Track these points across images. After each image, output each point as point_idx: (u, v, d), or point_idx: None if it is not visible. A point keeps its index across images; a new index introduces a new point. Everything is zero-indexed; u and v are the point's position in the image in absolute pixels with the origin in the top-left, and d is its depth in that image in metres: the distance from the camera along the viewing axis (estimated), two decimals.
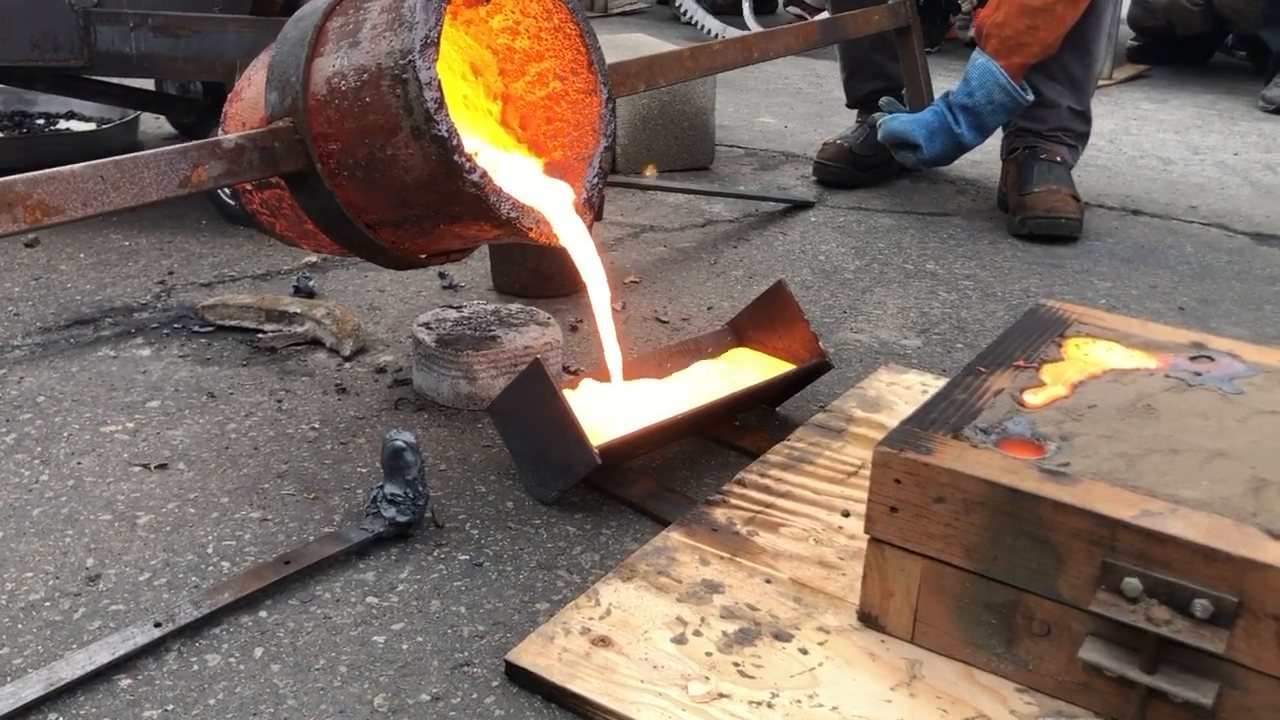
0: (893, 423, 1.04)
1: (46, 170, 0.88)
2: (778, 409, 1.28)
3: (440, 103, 0.98)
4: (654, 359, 1.25)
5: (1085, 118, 2.06)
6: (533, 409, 1.06)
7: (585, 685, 0.81)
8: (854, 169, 2.24)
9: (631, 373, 1.21)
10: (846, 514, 1.03)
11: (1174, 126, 2.93)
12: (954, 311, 1.62)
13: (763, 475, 1.09)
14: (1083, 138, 2.08)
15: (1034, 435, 0.86)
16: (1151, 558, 0.74)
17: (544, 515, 1.07)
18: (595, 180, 1.16)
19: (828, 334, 1.52)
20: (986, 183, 2.30)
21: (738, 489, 1.07)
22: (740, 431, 1.21)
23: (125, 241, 1.81)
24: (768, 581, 0.94)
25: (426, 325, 1.31)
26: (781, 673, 0.83)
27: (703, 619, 0.89)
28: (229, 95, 1.20)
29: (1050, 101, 2.02)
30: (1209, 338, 1.05)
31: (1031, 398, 0.92)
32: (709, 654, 0.85)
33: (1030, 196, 1.96)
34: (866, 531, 0.86)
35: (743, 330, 1.32)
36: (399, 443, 1.00)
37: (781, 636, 0.87)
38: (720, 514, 1.03)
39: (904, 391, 1.27)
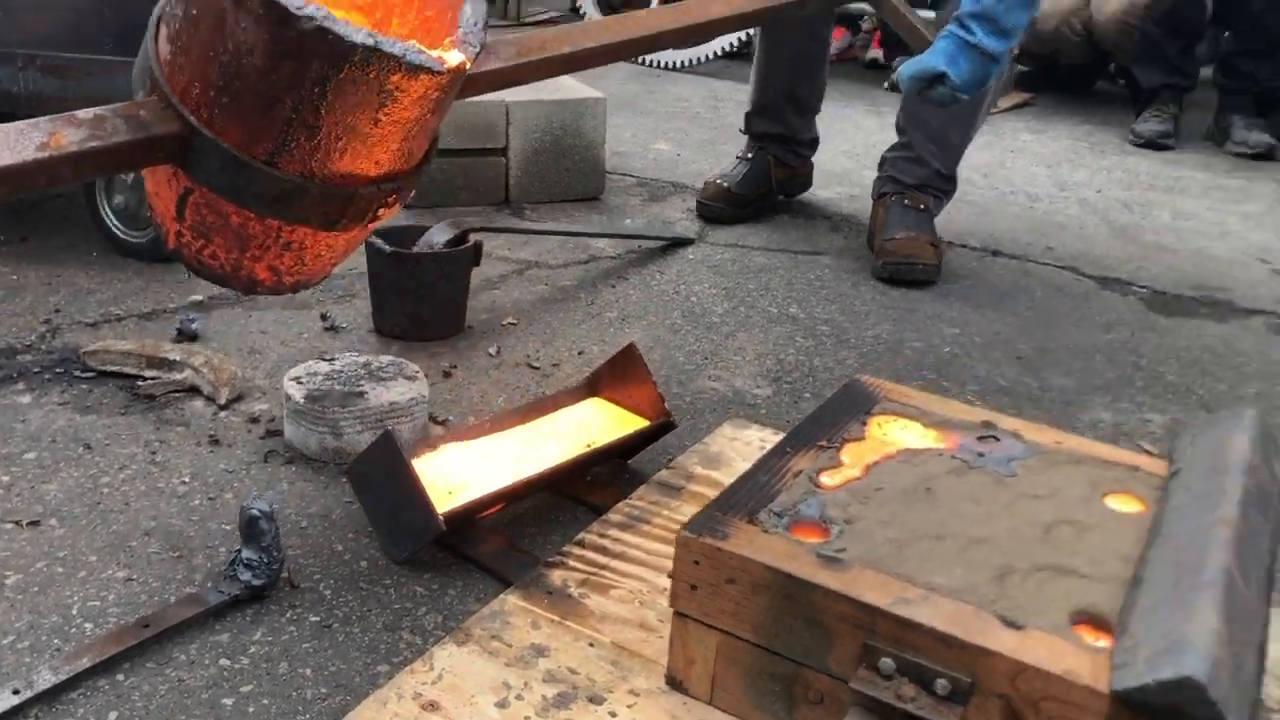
0: (729, 480, 1.15)
1: None
2: (629, 462, 1.37)
3: None
4: (514, 415, 1.34)
5: (952, 180, 2.20)
6: (385, 475, 1.15)
7: None
8: (732, 207, 2.35)
9: (491, 429, 1.30)
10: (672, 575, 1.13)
11: (1047, 160, 3.09)
12: (807, 359, 1.73)
13: (601, 535, 1.19)
14: (949, 192, 2.21)
15: (822, 518, 0.96)
16: (904, 641, 0.84)
17: (395, 575, 1.15)
18: (472, 21, 1.11)
19: (687, 381, 1.62)
20: (860, 219, 2.42)
21: (577, 550, 1.16)
22: (591, 487, 1.31)
23: (13, 275, 1.84)
24: (591, 645, 1.03)
25: (297, 379, 1.38)
26: None
27: (526, 683, 0.98)
28: None
29: (923, 160, 2.16)
30: (999, 417, 1.16)
31: (828, 479, 1.03)
32: (528, 718, 0.94)
33: (892, 241, 2.08)
34: (671, 605, 0.95)
35: (599, 384, 1.41)
36: (254, 511, 1.07)
37: (595, 700, 0.96)
38: (557, 576, 1.12)
39: (744, 448, 1.38)
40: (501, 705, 0.95)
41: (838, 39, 4.41)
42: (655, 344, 1.74)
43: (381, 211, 1.15)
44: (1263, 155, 3.23)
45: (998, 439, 1.11)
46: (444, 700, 0.95)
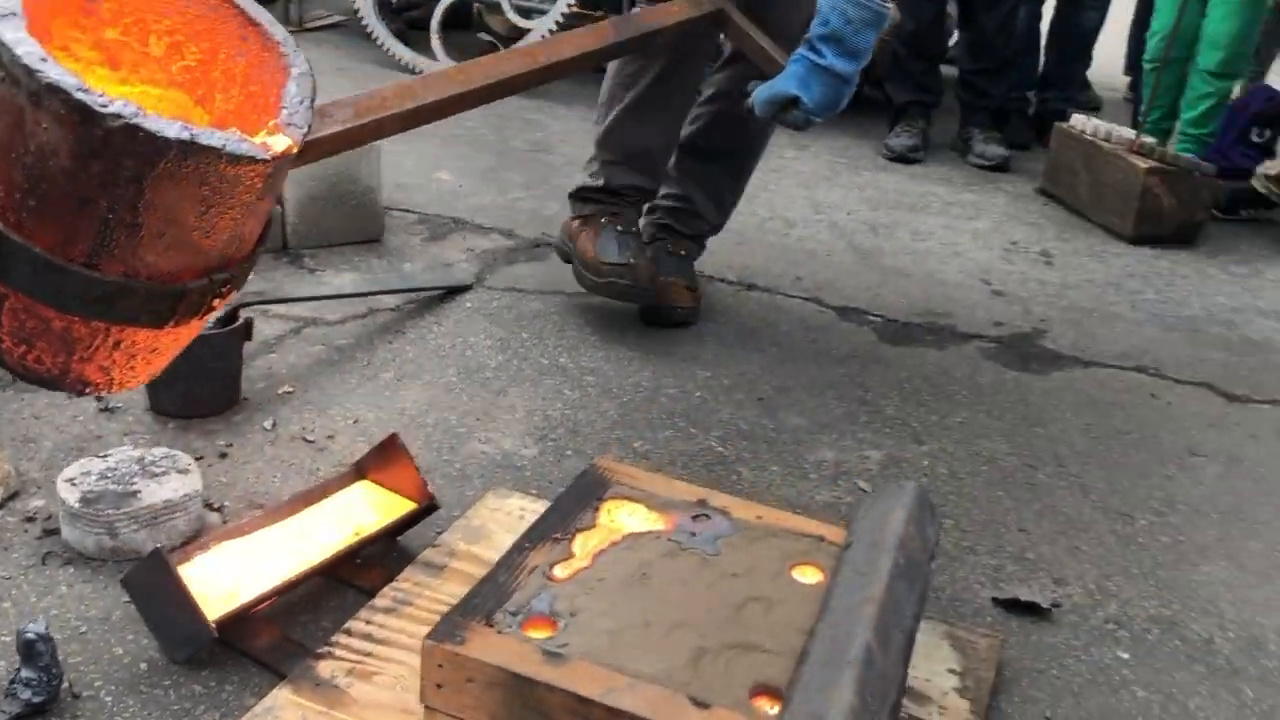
0: (490, 554, 1.30)
1: None
2: (399, 539, 1.49)
3: (43, 56, 0.93)
4: (284, 508, 1.44)
5: (718, 229, 2.35)
6: (157, 586, 1.23)
7: None
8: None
9: (261, 524, 1.40)
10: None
11: (806, 180, 3.33)
12: (572, 413, 1.88)
13: (368, 622, 1.31)
14: (707, 234, 2.35)
15: (552, 612, 1.12)
16: None
17: (174, 675, 1.24)
18: (297, 97, 1.10)
19: (458, 446, 1.75)
20: None
21: (344, 638, 1.28)
22: (360, 569, 1.42)
23: None
24: None
25: (71, 480, 1.44)
26: None
27: None
28: None
29: (698, 213, 2.29)
30: (712, 494, 1.34)
31: (560, 571, 1.18)
32: None
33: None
34: (421, 700, 1.09)
35: (366, 468, 1.52)
36: (30, 635, 1.15)
37: None
38: (325, 667, 1.24)
39: (505, 519, 1.52)
40: None
41: None
42: (430, 406, 1.86)
43: (216, 303, 1.13)
44: (999, 167, 3.55)
45: (709, 517, 1.29)
46: None
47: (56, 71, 0.92)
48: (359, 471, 1.52)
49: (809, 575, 1.21)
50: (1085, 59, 4.10)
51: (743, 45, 1.97)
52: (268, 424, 1.76)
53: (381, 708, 1.19)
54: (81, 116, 0.93)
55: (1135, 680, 1.37)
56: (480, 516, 1.52)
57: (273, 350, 2.01)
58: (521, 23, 4.01)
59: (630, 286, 2.11)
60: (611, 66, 2.17)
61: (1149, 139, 3.13)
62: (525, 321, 2.22)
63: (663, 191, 2.33)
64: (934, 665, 1.31)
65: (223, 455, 1.67)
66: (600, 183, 2.22)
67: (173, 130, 0.95)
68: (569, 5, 3.89)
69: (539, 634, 1.09)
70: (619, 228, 2.16)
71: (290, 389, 1.89)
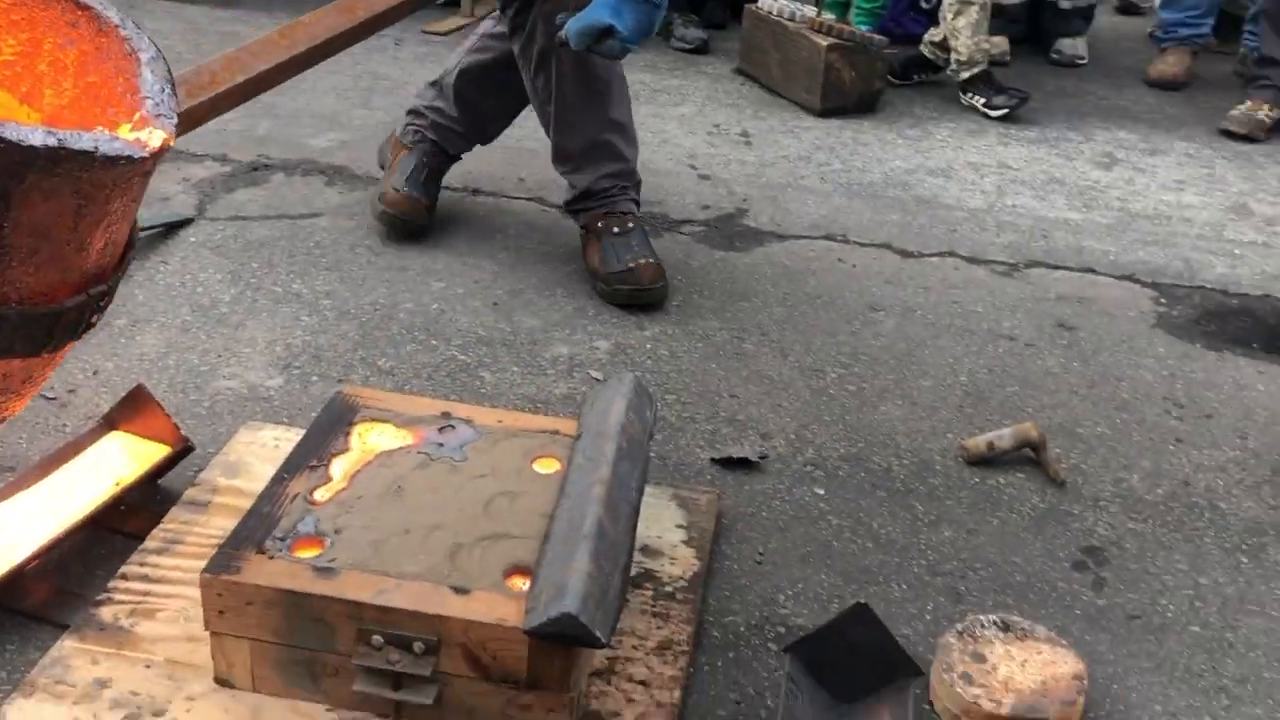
0: (252, 485, 1.39)
1: None
2: (159, 481, 1.55)
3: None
4: (37, 470, 1.47)
5: (635, 173, 2.26)
6: None
7: None
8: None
9: (15, 489, 1.43)
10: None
11: None
12: (313, 339, 1.95)
13: (142, 565, 1.38)
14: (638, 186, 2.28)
15: (317, 533, 1.23)
16: (386, 621, 1.14)
17: None
18: (157, 86, 1.02)
19: (204, 385, 1.80)
20: (353, 169, 2.63)
21: (121, 583, 1.35)
22: (125, 516, 1.48)
23: None
24: (147, 666, 1.25)
25: None
26: None
27: (94, 715, 1.18)
28: None
29: (615, 190, 2.19)
30: (454, 406, 1.47)
31: (320, 494, 1.29)
32: None
33: (615, 275, 2.11)
34: (206, 628, 1.19)
35: (116, 420, 1.56)
36: None
37: (158, 712, 1.19)
38: (107, 612, 1.31)
39: (261, 450, 1.60)
40: None
41: None
42: (169, 349, 1.89)
43: (94, 319, 1.05)
44: (699, 50, 3.74)
45: (454, 427, 1.43)
46: None
47: None
48: (109, 423, 1.56)
49: (548, 467, 1.37)
50: None
51: None
52: None
53: (169, 640, 1.28)
54: None
55: (830, 511, 1.62)
56: (236, 451, 1.60)
57: None
58: None
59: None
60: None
61: (828, 16, 3.39)
62: (253, 250, 2.25)
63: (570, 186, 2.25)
64: (664, 524, 1.51)
65: None
66: (421, 100, 2.35)
67: (36, 137, 0.86)
68: None
69: (308, 553, 1.21)
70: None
71: None
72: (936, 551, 1.55)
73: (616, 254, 2.12)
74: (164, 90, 1.01)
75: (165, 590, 1.35)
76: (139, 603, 1.33)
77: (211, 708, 1.20)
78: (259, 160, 2.66)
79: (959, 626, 1.34)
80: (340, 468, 1.34)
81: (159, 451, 1.53)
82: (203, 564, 1.36)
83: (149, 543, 1.42)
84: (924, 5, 3.95)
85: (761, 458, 1.72)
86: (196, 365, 1.85)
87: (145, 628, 1.30)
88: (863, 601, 1.25)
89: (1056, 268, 2.43)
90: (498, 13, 2.22)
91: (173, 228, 2.31)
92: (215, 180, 2.56)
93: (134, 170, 0.94)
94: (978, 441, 1.75)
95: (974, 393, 1.94)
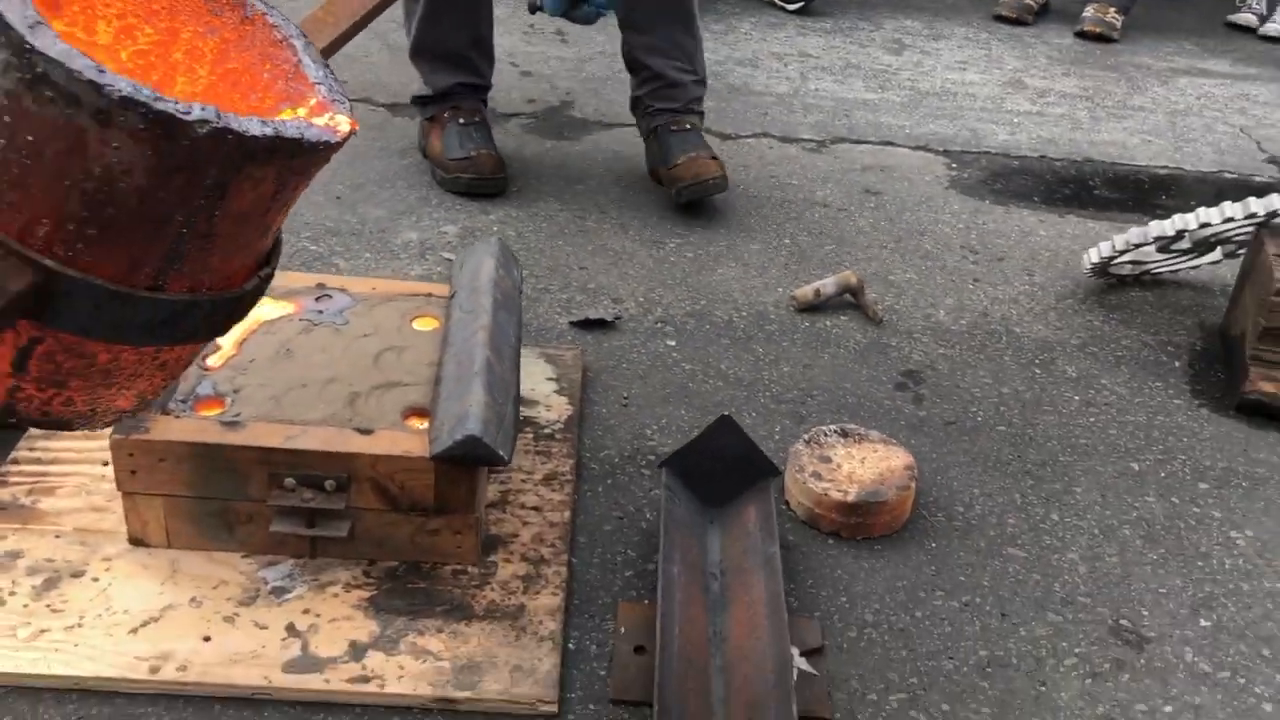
0: None
1: None
2: None
3: (99, 66, 0.79)
4: None
5: (703, 82, 2.30)
6: None
7: None
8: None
9: None
10: (106, 463, 1.40)
11: None
12: None
13: (31, 449, 1.41)
14: (702, 97, 2.30)
15: (216, 393, 1.30)
16: (297, 464, 1.23)
17: None
18: (321, 72, 1.01)
19: None
20: None
21: (13, 467, 1.38)
22: None
23: None
24: (57, 536, 1.29)
25: None
26: (83, 600, 1.21)
27: (13, 582, 1.23)
28: None
29: (676, 81, 2.23)
30: (326, 278, 1.54)
31: (213, 361, 1.35)
32: (26, 605, 1.20)
33: (676, 168, 2.17)
34: (119, 489, 1.25)
35: None
36: None
37: (77, 574, 1.25)
38: (5, 493, 1.34)
39: None
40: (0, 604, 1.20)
41: None
42: None
43: (260, 300, 1.03)
44: None
45: (330, 296, 1.50)
46: None
47: (124, 82, 0.79)
48: None
49: (427, 324, 1.46)
50: None
51: None
52: None
53: (74, 512, 1.33)
54: (164, 129, 0.81)
55: (682, 358, 1.77)
56: None
57: None
58: None
59: (475, 179, 2.17)
60: None
61: None
62: None
63: (634, 80, 2.30)
64: (535, 378, 1.63)
65: None
66: (429, 91, 2.26)
67: (254, 126, 0.84)
68: None
69: (212, 412, 1.27)
70: (460, 121, 2.22)
71: None
72: (778, 384, 1.73)
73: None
74: (329, 75, 1.00)
75: (61, 469, 1.39)
76: (36, 482, 1.37)
77: (129, 565, 1.26)
78: None
79: (805, 437, 1.51)
80: (228, 338, 1.39)
81: None
82: (93, 443, 1.42)
83: (34, 430, 1.45)
84: None
85: (616, 318, 1.85)
86: None
87: (48, 503, 1.34)
88: (726, 414, 1.41)
89: (859, 142, 2.63)
90: None
91: None
92: None
93: (326, 155, 0.93)
94: (805, 291, 1.93)
95: (797, 253, 2.12)
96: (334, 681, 1.16)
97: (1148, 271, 2.09)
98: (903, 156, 2.57)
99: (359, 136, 2.38)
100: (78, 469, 1.39)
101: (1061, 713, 1.22)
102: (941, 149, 2.63)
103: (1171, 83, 3.21)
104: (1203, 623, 1.35)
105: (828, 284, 1.93)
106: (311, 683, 1.16)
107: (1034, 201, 2.41)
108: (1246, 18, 3.74)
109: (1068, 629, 1.33)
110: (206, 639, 1.19)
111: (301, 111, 0.97)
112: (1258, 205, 1.79)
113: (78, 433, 1.42)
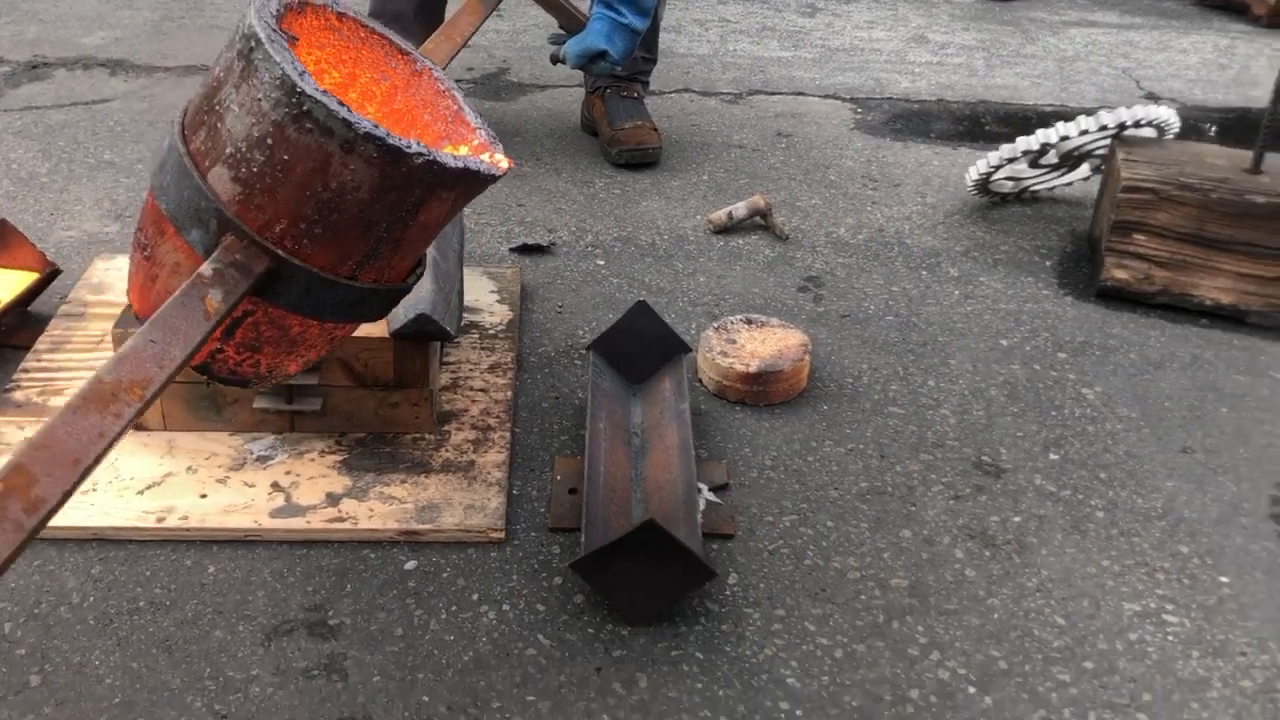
0: (119, 299, 1.63)
1: (110, 358, 0.96)
2: (30, 309, 1.77)
3: (349, 107, 1.03)
4: None
5: (654, 60, 2.53)
6: None
7: None
8: None
9: None
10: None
11: None
12: (137, 195, 2.17)
13: (38, 361, 1.62)
14: (650, 71, 2.53)
15: None
16: None
17: None
18: (479, 119, 1.26)
19: (46, 237, 2.00)
20: (133, 60, 2.78)
21: (24, 375, 1.59)
22: (9, 333, 1.70)
23: None
24: None
25: None
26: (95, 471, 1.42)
27: None
28: (131, 298, 1.19)
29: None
30: None
31: None
32: None
33: (622, 131, 2.38)
34: None
35: None
36: None
37: None
38: (19, 394, 1.55)
39: (119, 273, 1.83)
40: None
41: None
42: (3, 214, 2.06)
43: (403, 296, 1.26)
44: None
45: None
46: None
47: (368, 123, 1.02)
48: None
49: None
50: None
51: (547, 6, 2.28)
52: None
53: None
54: (392, 158, 1.04)
55: (610, 274, 2.00)
56: (97, 274, 1.83)
57: None
58: None
59: None
60: None
61: None
62: (56, 132, 2.41)
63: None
64: (479, 291, 1.85)
65: None
66: None
67: (453, 161, 1.07)
68: None
69: None
70: None
71: None
72: (695, 291, 1.96)
73: None
74: (485, 123, 1.25)
75: (66, 376, 1.59)
76: (45, 385, 1.57)
77: (132, 444, 1.48)
78: (36, 59, 2.78)
79: (715, 325, 1.75)
80: None
81: (29, 277, 1.75)
82: (92, 356, 1.63)
83: (39, 345, 1.65)
84: None
85: (551, 244, 2.08)
86: (32, 224, 2.04)
87: (57, 401, 1.54)
88: (642, 300, 1.64)
89: (773, 94, 2.88)
90: None
91: None
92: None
93: (491, 183, 1.17)
94: (719, 214, 2.17)
95: (714, 186, 2.35)
96: (314, 522, 1.38)
97: (1027, 189, 2.34)
98: (813, 104, 2.82)
99: None
100: (81, 375, 1.59)
101: (928, 525, 1.46)
102: (849, 97, 2.88)
103: (1062, 33, 3.48)
104: (1052, 456, 1.60)
105: (739, 207, 2.17)
106: (295, 524, 1.37)
107: (930, 138, 2.66)
108: None
109: (937, 464, 1.57)
110: (204, 496, 1.40)
111: (464, 149, 1.23)
112: (1108, 118, 2.04)
113: (77, 346, 1.63)
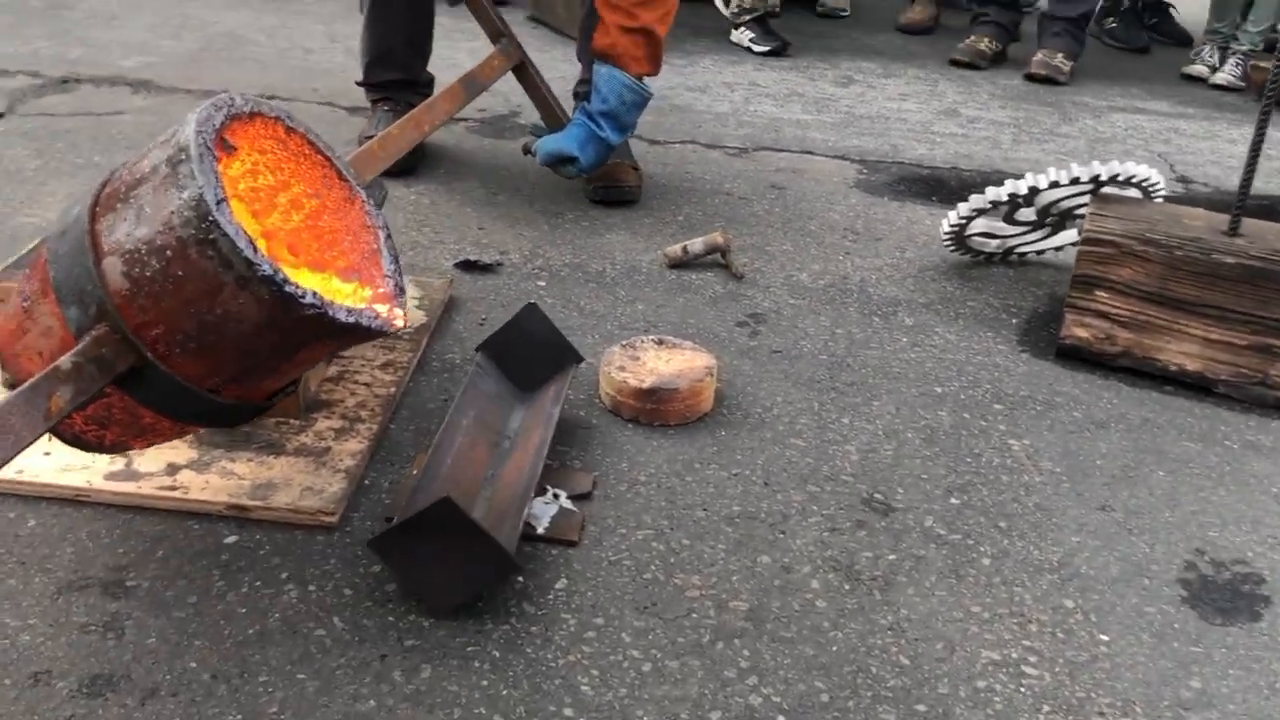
0: None
1: None
2: None
3: (254, 246, 1.05)
4: None
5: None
6: None
7: None
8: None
9: None
10: None
11: (325, 17, 3.70)
12: None
13: None
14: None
15: None
16: None
17: None
18: (393, 266, 1.29)
19: (5, 222, 2.05)
20: (158, 82, 2.88)
21: None
22: None
23: None
24: None
25: None
26: None
27: None
28: (3, 325, 1.18)
29: None
30: None
31: None
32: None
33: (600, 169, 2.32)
34: None
35: None
36: None
37: None
38: None
39: None
40: None
41: None
42: None
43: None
44: (499, 2, 4.09)
45: None
46: None
47: (269, 265, 1.05)
48: None
49: None
50: None
51: (533, 95, 2.34)
52: None
53: None
54: (283, 303, 1.07)
55: (548, 295, 1.96)
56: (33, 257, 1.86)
57: None
58: None
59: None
60: None
61: None
62: (59, 136, 2.49)
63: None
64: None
65: None
66: (368, 79, 2.54)
67: (342, 314, 1.12)
68: None
69: None
70: (385, 109, 2.48)
71: None
72: (628, 318, 1.91)
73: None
74: (398, 271, 1.29)
75: None
76: None
77: None
78: (70, 75, 2.90)
79: (623, 342, 1.69)
80: None
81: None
82: None
83: None
84: None
85: (497, 264, 2.05)
86: (0, 210, 2.10)
87: None
88: (532, 302, 1.59)
89: (780, 150, 2.83)
90: None
91: None
92: (26, 90, 2.78)
93: (378, 338, 1.21)
94: (674, 248, 2.11)
95: (687, 227, 2.31)
96: (145, 488, 1.35)
97: (1012, 250, 2.24)
98: (817, 163, 2.76)
99: (320, 126, 2.68)
100: None
101: (791, 553, 1.36)
102: (858, 158, 2.82)
103: (1104, 117, 3.37)
104: (952, 500, 1.48)
105: (696, 243, 2.11)
106: (125, 488, 1.34)
107: (930, 200, 2.57)
108: (1199, 69, 3.90)
109: (821, 497, 1.47)
110: (47, 454, 1.38)
111: (366, 292, 1.25)
112: (1081, 170, 1.94)
113: None
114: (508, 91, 3.08)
